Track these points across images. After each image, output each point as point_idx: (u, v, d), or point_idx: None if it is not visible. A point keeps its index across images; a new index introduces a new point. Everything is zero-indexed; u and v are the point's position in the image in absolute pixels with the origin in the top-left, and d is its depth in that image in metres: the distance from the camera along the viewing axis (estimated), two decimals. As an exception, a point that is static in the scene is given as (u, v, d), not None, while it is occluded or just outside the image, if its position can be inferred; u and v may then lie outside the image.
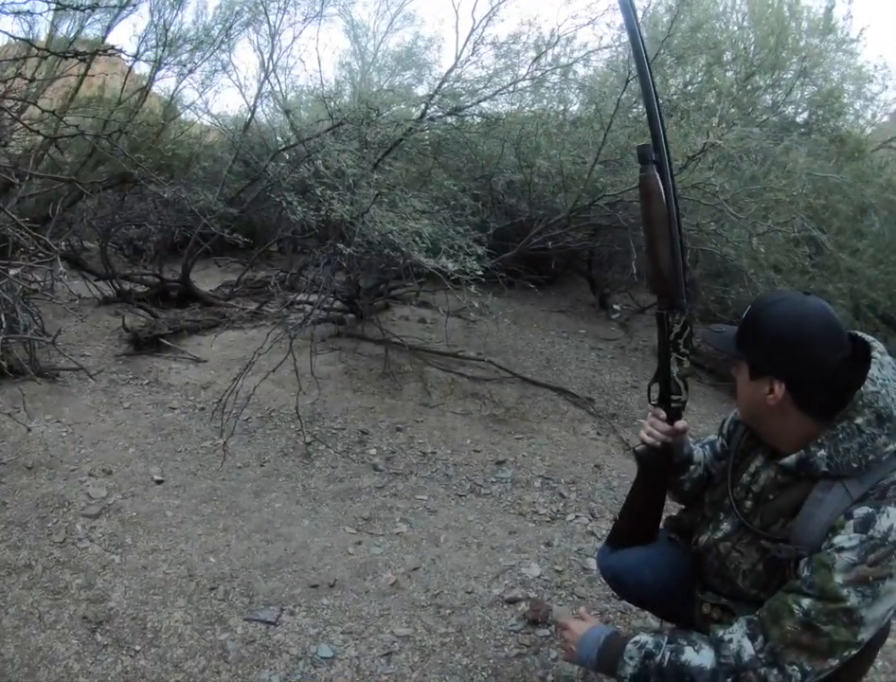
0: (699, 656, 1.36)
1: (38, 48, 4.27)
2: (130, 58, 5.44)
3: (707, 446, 1.78)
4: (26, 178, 4.82)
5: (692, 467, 1.72)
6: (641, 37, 1.53)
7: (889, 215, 5.37)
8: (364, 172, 4.16)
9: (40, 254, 3.70)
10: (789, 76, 7.02)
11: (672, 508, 1.84)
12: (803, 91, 7.17)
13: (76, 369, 4.27)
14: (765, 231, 4.31)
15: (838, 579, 1.23)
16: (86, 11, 5.28)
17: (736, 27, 7.11)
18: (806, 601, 1.26)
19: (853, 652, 1.26)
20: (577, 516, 3.24)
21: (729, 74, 6.59)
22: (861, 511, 1.26)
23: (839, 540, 1.26)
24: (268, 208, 6.72)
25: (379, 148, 4.71)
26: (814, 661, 1.25)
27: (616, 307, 6.96)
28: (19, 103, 4.27)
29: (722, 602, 1.56)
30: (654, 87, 1.51)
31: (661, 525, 1.82)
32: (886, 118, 8.67)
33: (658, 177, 1.51)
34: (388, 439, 3.94)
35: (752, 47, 6.77)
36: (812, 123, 7.03)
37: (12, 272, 3.03)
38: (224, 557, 2.69)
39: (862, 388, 1.28)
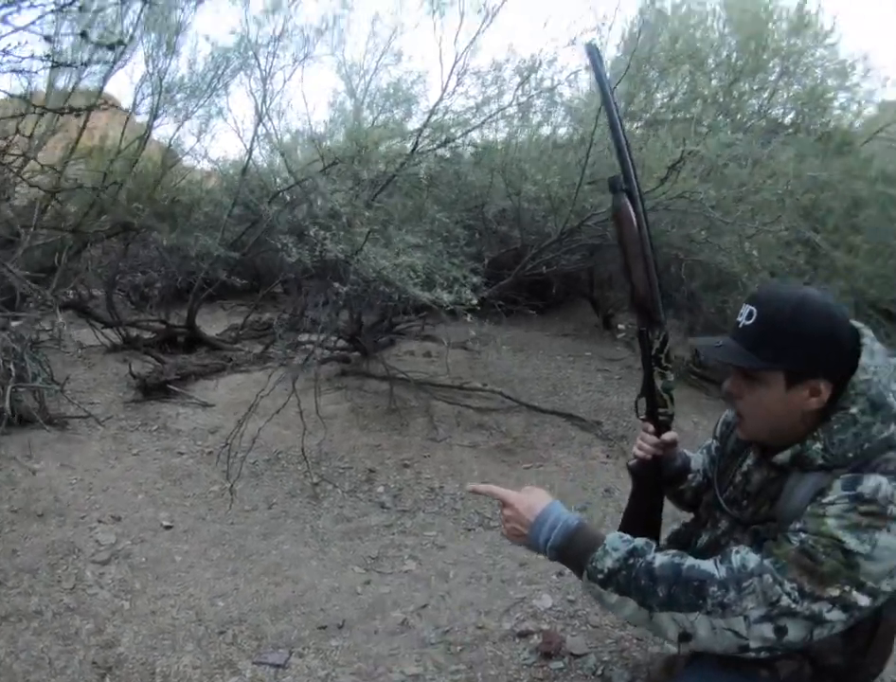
0: (706, 564, 1.28)
1: (35, 106, 4.39)
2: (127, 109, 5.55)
3: (704, 451, 1.79)
4: (31, 229, 4.93)
5: (691, 476, 1.73)
6: (604, 73, 1.64)
7: (881, 209, 5.36)
8: (357, 211, 4.21)
9: (44, 304, 3.79)
10: (773, 78, 7.10)
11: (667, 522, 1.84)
12: (788, 91, 7.24)
13: (85, 417, 4.31)
14: (754, 233, 4.34)
15: (831, 522, 1.19)
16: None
17: (717, 34, 7.21)
18: (802, 536, 1.21)
19: (856, 594, 1.19)
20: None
21: (714, 81, 6.67)
22: (847, 475, 1.23)
23: (828, 498, 1.22)
24: (269, 251, 6.78)
25: (372, 185, 4.79)
26: (813, 585, 1.18)
27: (620, 326, 6.95)
28: (20, 159, 4.37)
29: None
30: (620, 122, 1.60)
31: (664, 539, 1.82)
32: (872, 109, 8.75)
33: (629, 204, 1.55)
34: (396, 475, 3.94)
35: (734, 54, 6.87)
36: (799, 123, 7.05)
37: (14, 324, 3.08)
38: (233, 600, 2.69)
39: (854, 377, 1.27)
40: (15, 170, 4.43)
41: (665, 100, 6.61)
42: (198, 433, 4.39)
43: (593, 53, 1.68)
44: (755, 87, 7.10)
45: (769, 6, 7.13)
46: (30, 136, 4.54)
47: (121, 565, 2.90)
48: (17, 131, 4.34)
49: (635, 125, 6.01)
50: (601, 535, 1.34)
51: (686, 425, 4.62)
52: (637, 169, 3.94)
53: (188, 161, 7.62)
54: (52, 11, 3.95)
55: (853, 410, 1.27)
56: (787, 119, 7.35)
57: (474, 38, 5.15)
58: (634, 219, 1.56)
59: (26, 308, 4.50)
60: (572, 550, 1.34)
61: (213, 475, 3.85)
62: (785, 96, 7.35)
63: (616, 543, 1.31)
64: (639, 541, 1.33)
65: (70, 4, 3.63)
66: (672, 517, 1.89)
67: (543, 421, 4.64)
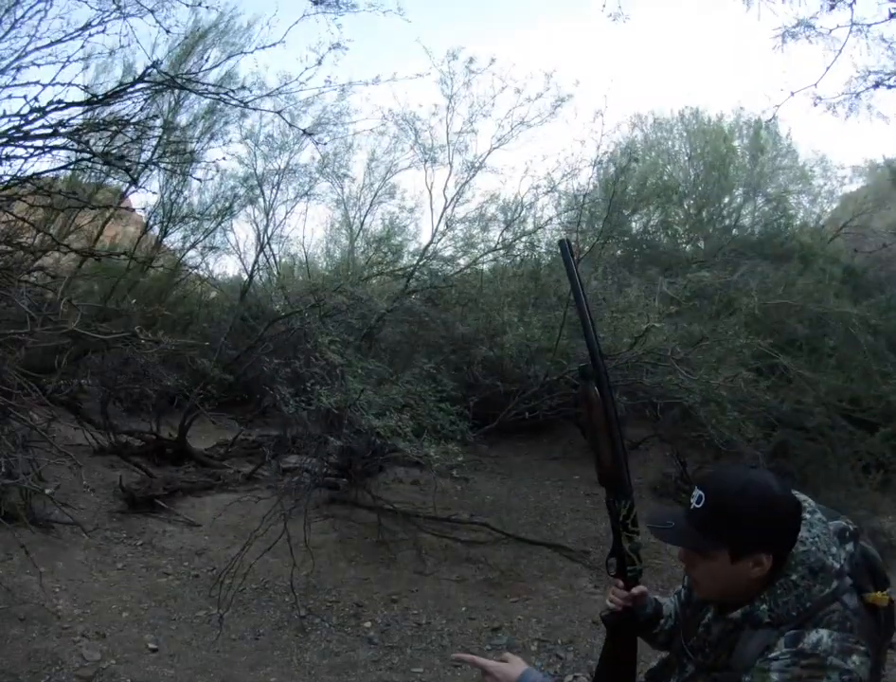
0: None
1: (59, 243, 4.66)
2: (127, 258, 5.76)
3: (675, 597, 1.93)
4: (35, 330, 5.05)
5: (662, 621, 1.87)
6: (576, 270, 1.82)
7: (842, 324, 5.60)
8: (349, 362, 4.41)
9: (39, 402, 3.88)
10: (739, 191, 7.73)
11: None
12: (754, 204, 7.83)
13: (71, 524, 4.25)
14: (718, 386, 4.59)
15: (774, 676, 1.33)
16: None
17: (686, 158, 7.79)
18: None
19: None
20: (575, 677, 3.22)
21: (686, 203, 7.14)
22: (791, 632, 1.38)
23: (773, 654, 1.36)
24: (263, 370, 6.88)
25: (364, 319, 5.13)
26: None
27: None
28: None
29: None
30: (590, 316, 1.79)
31: (642, 676, 1.91)
32: (835, 204, 9.41)
33: (597, 389, 1.74)
34: (383, 610, 3.92)
35: (700, 183, 7.41)
36: (764, 239, 7.52)
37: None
38: (220, 732, 2.65)
39: (794, 549, 1.43)
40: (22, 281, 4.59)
41: (640, 230, 7.12)
42: (184, 553, 4.37)
43: (565, 249, 1.87)
44: (720, 211, 7.70)
45: (727, 133, 7.81)
46: (53, 277, 4.76)
47: (106, 683, 2.86)
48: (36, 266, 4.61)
49: (616, 252, 6.46)
50: None
51: (674, 549, 4.64)
52: (612, 332, 4.20)
53: (188, 271, 7.96)
54: (74, 150, 4.30)
55: (794, 577, 1.43)
56: (756, 229, 7.97)
57: (462, 187, 5.73)
58: (601, 403, 1.74)
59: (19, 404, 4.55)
60: None
61: (199, 600, 3.82)
62: (752, 208, 8.01)
63: None
64: None
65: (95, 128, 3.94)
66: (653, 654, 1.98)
67: (530, 552, 4.67)
